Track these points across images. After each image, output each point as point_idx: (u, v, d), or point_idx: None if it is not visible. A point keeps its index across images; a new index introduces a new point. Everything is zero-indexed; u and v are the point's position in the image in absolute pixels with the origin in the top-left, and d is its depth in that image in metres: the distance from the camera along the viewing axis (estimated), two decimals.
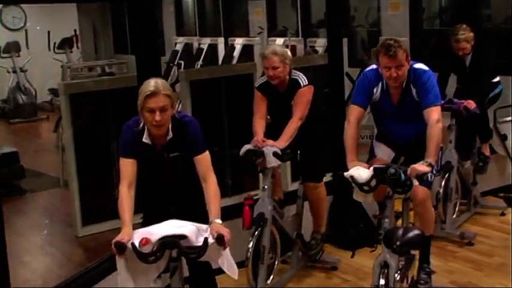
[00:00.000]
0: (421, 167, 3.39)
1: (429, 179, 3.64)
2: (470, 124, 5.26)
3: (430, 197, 3.98)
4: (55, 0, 4.51)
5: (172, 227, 2.87)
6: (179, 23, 12.41)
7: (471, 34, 5.22)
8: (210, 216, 2.99)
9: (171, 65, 10.74)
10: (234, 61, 9.89)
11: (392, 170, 3.33)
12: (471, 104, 4.97)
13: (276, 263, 4.27)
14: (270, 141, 4.06)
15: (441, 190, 5.02)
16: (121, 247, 2.79)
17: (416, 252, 3.73)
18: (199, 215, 3.01)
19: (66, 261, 4.92)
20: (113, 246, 2.81)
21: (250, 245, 3.91)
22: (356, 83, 3.96)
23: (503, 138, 5.90)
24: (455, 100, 5.05)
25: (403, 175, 3.34)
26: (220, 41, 10.90)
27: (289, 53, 4.28)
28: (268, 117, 4.39)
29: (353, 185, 3.47)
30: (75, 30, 11.96)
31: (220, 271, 3.04)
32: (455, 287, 4.29)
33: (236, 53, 10.15)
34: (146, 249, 2.77)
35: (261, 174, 4.21)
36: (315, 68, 5.93)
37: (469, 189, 5.55)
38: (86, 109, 5.21)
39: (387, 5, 8.13)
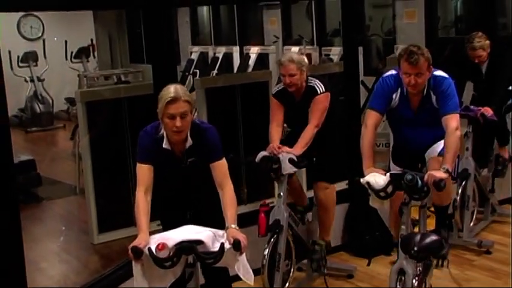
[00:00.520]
0: (438, 173, 3.37)
1: (453, 174, 3.57)
2: (487, 131, 5.22)
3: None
4: (71, 7, 4.52)
5: (188, 232, 2.87)
6: (194, 32, 12.48)
7: (487, 42, 5.20)
8: (226, 222, 3.00)
9: (187, 74, 10.79)
10: (249, 70, 9.92)
11: (409, 176, 3.32)
12: (488, 111, 4.94)
13: (292, 270, 4.25)
14: (286, 148, 4.06)
15: (458, 198, 4.99)
16: (137, 252, 2.79)
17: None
18: (216, 221, 3.01)
19: (82, 268, 4.95)
20: (129, 251, 2.81)
21: (266, 252, 3.90)
22: (374, 88, 3.94)
23: None
24: (472, 107, 5.02)
25: (419, 181, 3.32)
26: (236, 50, 10.95)
27: (306, 60, 4.29)
28: (285, 125, 4.38)
29: (369, 191, 3.45)
30: (91, 40, 12.06)
31: (235, 278, 3.04)
32: None
33: (251, 62, 10.19)
34: (163, 254, 2.77)
35: (276, 181, 4.20)
36: (330, 75, 5.93)
37: (487, 197, 5.50)
38: (102, 117, 5.24)
39: (402, 13, 8.13)
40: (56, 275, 4.87)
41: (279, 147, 4.06)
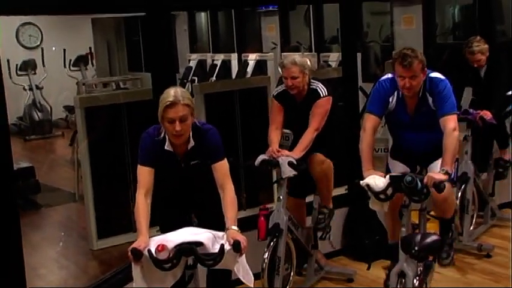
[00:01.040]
0: (437, 175, 3.37)
1: (452, 176, 3.54)
2: (487, 135, 5.22)
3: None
4: (69, 11, 4.52)
5: (188, 234, 2.86)
6: (193, 39, 12.51)
7: (486, 46, 5.21)
8: (226, 223, 2.99)
9: (185, 81, 10.80)
10: (248, 76, 9.92)
11: (408, 178, 3.31)
12: (487, 114, 4.94)
13: (292, 274, 4.25)
14: (285, 151, 4.05)
15: (457, 202, 4.98)
16: (137, 254, 2.79)
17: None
18: (218, 222, 3.01)
19: (81, 274, 4.94)
20: (129, 253, 2.80)
21: (266, 255, 3.90)
22: (371, 92, 3.94)
23: None
24: (471, 110, 5.02)
25: (419, 183, 3.32)
26: (234, 57, 10.96)
27: (308, 62, 4.23)
28: (287, 130, 4.31)
29: (369, 193, 3.45)
30: (90, 48, 12.08)
31: (236, 282, 3.02)
32: None
33: (249, 69, 10.19)
34: (162, 255, 2.76)
35: (275, 185, 4.20)
36: (328, 81, 5.92)
37: (486, 201, 5.50)
38: (101, 123, 5.24)
39: (400, 19, 8.15)
40: (55, 281, 4.85)
41: (278, 151, 4.05)
